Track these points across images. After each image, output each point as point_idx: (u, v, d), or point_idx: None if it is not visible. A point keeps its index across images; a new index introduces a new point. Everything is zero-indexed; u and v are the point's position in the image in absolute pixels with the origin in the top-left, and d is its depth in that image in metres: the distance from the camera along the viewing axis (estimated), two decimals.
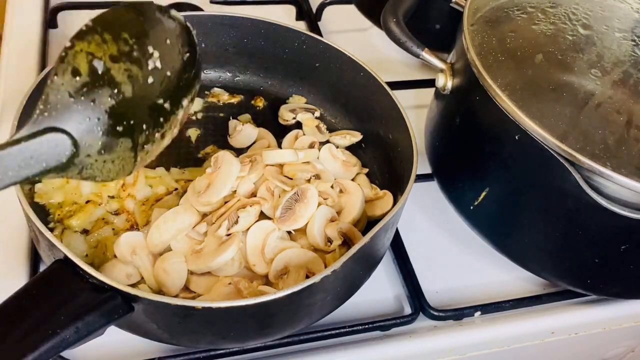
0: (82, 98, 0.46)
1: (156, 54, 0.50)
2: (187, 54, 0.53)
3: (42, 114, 0.46)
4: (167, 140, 0.55)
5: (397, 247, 0.81)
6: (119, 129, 0.49)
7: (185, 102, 0.53)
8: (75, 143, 0.47)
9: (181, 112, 0.54)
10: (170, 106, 0.52)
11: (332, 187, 0.77)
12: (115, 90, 0.48)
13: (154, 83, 0.50)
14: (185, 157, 0.83)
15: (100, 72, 0.47)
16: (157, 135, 0.52)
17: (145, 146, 0.52)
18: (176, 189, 0.78)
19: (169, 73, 0.51)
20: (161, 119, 0.52)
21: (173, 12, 0.53)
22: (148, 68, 0.50)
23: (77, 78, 0.46)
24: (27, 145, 0.44)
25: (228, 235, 0.68)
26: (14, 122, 0.66)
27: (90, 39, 0.47)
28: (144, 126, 0.51)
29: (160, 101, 0.51)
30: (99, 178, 0.51)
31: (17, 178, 0.44)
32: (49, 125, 0.45)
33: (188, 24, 0.54)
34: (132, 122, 0.49)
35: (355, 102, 0.87)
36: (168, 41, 0.51)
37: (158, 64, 0.50)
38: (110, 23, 0.48)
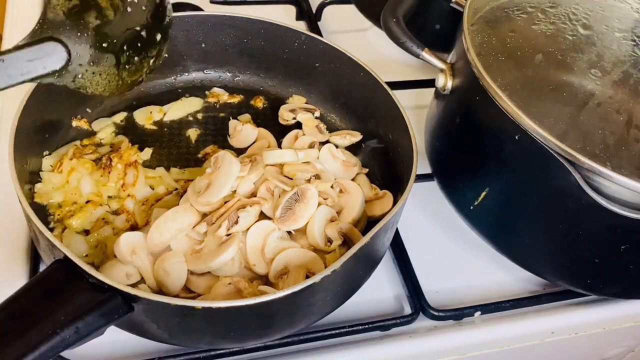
0: (74, 16, 0.58)
1: None
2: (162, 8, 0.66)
3: (41, 27, 0.56)
4: (145, 68, 0.66)
5: (397, 247, 0.81)
6: (104, 45, 0.60)
7: (159, 36, 0.65)
8: (68, 51, 0.58)
9: (156, 47, 0.66)
10: (146, 35, 0.64)
11: (332, 187, 0.77)
12: (101, 14, 0.59)
13: (132, 13, 0.62)
14: (185, 157, 0.83)
15: None
16: (137, 59, 0.64)
17: (127, 66, 0.63)
18: (176, 189, 0.78)
19: (144, 8, 0.63)
20: (139, 44, 0.64)
21: None
22: (127, 0, 0.61)
23: (70, 1, 0.57)
24: (29, 50, 0.55)
25: (228, 235, 0.68)
26: (14, 121, 0.66)
27: None
28: (125, 47, 0.62)
29: (138, 28, 0.63)
30: (89, 89, 0.62)
31: (22, 78, 0.55)
32: (46, 36, 0.56)
33: None
34: (114, 41, 0.61)
35: (355, 102, 0.87)
36: None
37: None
38: None
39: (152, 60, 0.66)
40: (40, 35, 0.56)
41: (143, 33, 0.63)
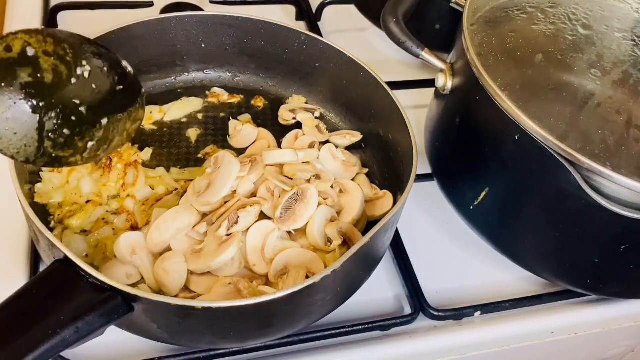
0: (4, 66, 0.54)
1: (88, 68, 0.58)
2: (121, 88, 0.61)
3: None
4: (81, 149, 0.59)
5: (397, 247, 0.81)
6: (28, 104, 0.54)
7: (104, 121, 0.59)
8: None
9: (99, 131, 0.60)
10: (86, 112, 0.58)
11: (332, 187, 0.77)
12: (38, 74, 0.55)
13: (76, 85, 0.58)
14: (185, 157, 0.83)
15: (29, 55, 0.55)
16: (67, 132, 0.57)
17: (51, 135, 0.57)
18: (176, 189, 0.78)
19: (94, 86, 0.59)
20: (73, 118, 0.58)
21: (125, 63, 0.62)
22: (75, 72, 0.57)
23: (8, 53, 0.54)
24: None
25: (228, 235, 0.68)
26: None
27: (34, 35, 0.55)
28: (53, 114, 0.56)
29: (77, 101, 0.58)
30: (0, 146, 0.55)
31: None
32: None
33: (134, 77, 0.63)
34: (41, 104, 0.55)
35: (355, 102, 0.87)
36: (105, 69, 0.60)
37: (86, 75, 0.58)
38: (59, 36, 0.56)
39: (90, 143, 0.60)
40: None
41: (82, 109, 0.58)
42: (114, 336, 0.62)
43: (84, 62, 0.58)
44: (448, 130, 0.82)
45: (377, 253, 0.71)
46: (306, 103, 0.92)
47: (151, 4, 1.09)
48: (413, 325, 0.75)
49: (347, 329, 0.72)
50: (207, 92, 0.91)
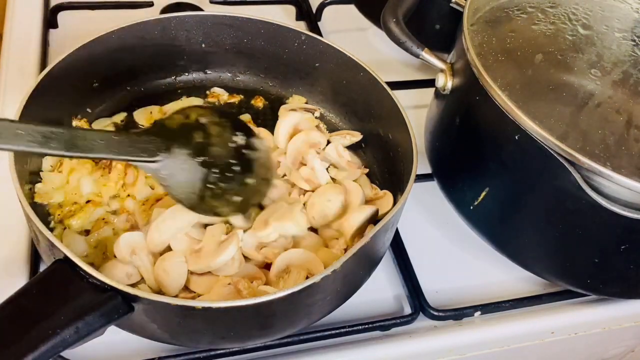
0: (184, 129, 0.69)
1: (242, 138, 0.72)
2: (261, 160, 0.74)
3: (154, 126, 0.70)
4: (226, 203, 0.69)
5: (397, 247, 0.81)
6: (198, 158, 0.68)
7: (250, 180, 0.71)
8: (167, 148, 0.67)
9: (246, 187, 0.71)
10: (240, 168, 0.71)
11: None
12: (206, 137, 0.70)
13: (232, 148, 0.71)
14: None
15: (202, 122, 0.71)
16: (223, 185, 0.69)
17: (210, 186, 0.68)
18: None
19: (245, 152, 0.72)
20: (228, 174, 0.70)
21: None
22: (232, 138, 0.72)
23: (187, 119, 0.70)
24: (136, 138, 0.66)
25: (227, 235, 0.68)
26: None
27: (205, 110, 0.73)
28: (215, 169, 0.69)
29: (233, 161, 0.71)
30: (173, 191, 0.67)
31: (124, 156, 0.64)
32: (154, 135, 0.67)
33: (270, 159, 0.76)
34: (207, 159, 0.69)
35: (355, 102, 0.87)
36: (253, 142, 0.73)
37: (240, 142, 0.72)
38: (223, 113, 0.73)
39: (236, 197, 0.70)
40: (149, 132, 0.68)
41: (235, 168, 0.70)
42: (114, 336, 0.62)
43: (240, 134, 0.72)
44: (448, 130, 0.82)
45: (377, 253, 0.71)
46: (306, 103, 0.92)
47: (151, 4, 1.09)
48: (413, 325, 0.75)
49: (347, 329, 0.72)
50: (207, 92, 0.91)
